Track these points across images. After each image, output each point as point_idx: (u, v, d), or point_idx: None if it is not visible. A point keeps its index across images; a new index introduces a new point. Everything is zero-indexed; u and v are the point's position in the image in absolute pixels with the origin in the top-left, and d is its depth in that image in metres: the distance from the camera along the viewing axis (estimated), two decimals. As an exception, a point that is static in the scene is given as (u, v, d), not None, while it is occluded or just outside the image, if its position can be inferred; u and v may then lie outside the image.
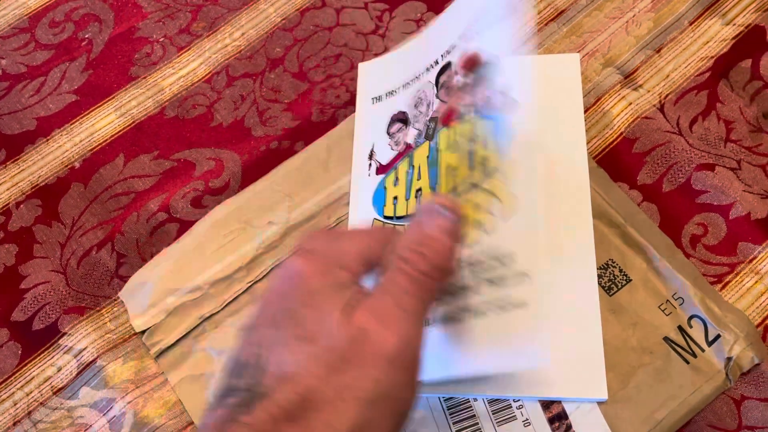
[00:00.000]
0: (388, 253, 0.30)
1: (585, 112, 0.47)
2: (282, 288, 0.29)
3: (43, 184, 0.48)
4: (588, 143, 0.46)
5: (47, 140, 0.49)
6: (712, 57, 0.48)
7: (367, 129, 0.47)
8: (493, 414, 0.38)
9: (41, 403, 0.42)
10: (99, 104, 0.50)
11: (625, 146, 0.46)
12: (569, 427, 0.38)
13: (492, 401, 0.38)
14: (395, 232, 0.34)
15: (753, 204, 0.43)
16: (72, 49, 0.53)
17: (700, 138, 0.45)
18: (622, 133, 0.46)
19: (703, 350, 0.39)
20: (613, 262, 0.42)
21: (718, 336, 0.39)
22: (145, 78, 0.51)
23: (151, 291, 0.43)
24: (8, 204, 0.48)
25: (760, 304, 0.41)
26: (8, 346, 0.44)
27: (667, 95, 0.47)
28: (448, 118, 0.42)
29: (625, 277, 0.41)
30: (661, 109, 0.46)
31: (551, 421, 0.38)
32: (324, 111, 0.49)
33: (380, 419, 0.27)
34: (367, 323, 0.27)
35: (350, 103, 0.49)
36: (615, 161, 0.45)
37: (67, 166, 0.49)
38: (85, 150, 0.49)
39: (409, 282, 0.29)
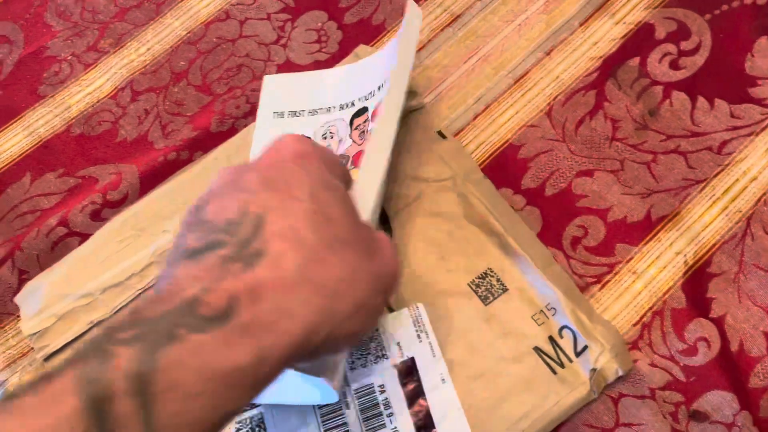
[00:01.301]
0: None
1: (474, 119, 0.47)
2: (281, 157, 0.32)
3: (-48, 205, 0.49)
4: (477, 149, 0.46)
5: (-43, 162, 0.51)
6: (601, 57, 0.48)
7: (266, 141, 0.48)
8: (364, 422, 0.39)
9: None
10: (7, 125, 0.52)
11: (511, 152, 0.46)
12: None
13: (364, 409, 0.39)
14: None
15: (630, 206, 0.44)
16: (-18, 71, 0.54)
17: (584, 141, 0.46)
18: (508, 140, 0.46)
19: (571, 361, 0.40)
20: (492, 272, 0.42)
21: (586, 347, 0.40)
22: (53, 96, 0.52)
23: (43, 295, 0.44)
24: None
25: (638, 303, 0.42)
26: None
27: (556, 96, 0.47)
28: (359, 160, 0.44)
29: (502, 287, 0.42)
30: (549, 112, 0.47)
31: (418, 429, 0.39)
32: (224, 121, 0.50)
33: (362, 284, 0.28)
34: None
35: (250, 114, 0.50)
36: (501, 167, 0.46)
37: (-25, 187, 0.50)
38: (-7, 171, 0.50)
39: None
